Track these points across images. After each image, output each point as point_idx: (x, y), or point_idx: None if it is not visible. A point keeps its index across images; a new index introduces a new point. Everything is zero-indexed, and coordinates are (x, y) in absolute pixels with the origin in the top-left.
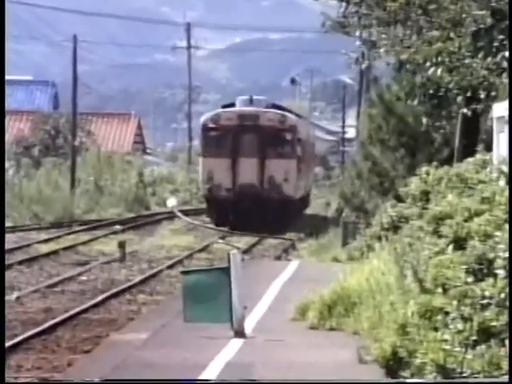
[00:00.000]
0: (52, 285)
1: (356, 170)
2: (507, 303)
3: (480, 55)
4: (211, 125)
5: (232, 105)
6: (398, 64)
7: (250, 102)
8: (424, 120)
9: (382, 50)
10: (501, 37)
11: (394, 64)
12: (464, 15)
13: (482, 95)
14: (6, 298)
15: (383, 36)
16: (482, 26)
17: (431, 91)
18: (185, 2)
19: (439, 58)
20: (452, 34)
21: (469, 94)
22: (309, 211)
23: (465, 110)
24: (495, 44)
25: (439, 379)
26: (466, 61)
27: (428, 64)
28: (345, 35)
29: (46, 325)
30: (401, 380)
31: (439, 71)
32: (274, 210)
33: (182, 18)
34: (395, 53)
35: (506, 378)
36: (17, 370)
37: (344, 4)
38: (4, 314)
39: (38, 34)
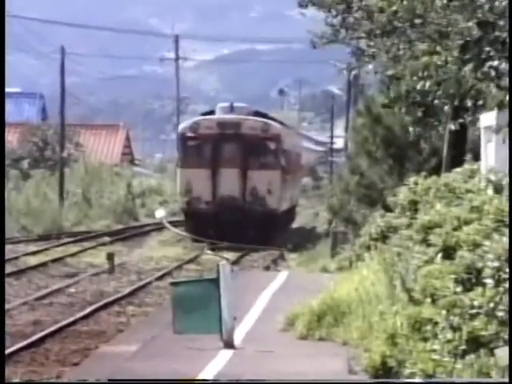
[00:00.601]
0: (41, 297)
1: (343, 184)
2: (496, 313)
3: (467, 67)
4: (189, 134)
5: (212, 112)
6: (386, 76)
7: (231, 109)
8: (411, 129)
9: (370, 67)
10: (487, 48)
11: (381, 74)
12: (450, 28)
13: (470, 104)
14: None
15: (371, 46)
16: (468, 38)
17: (418, 99)
18: (174, 14)
19: (425, 73)
20: (439, 48)
21: (456, 103)
22: (296, 223)
23: (452, 127)
24: (483, 56)
25: (439, 379)
26: (452, 74)
27: (415, 78)
28: (333, 44)
29: (34, 337)
30: (401, 380)
31: (427, 84)
32: (257, 223)
33: (170, 29)
34: (383, 66)
35: (505, 379)
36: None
37: (331, 17)
38: (4, 318)
39: (26, 46)
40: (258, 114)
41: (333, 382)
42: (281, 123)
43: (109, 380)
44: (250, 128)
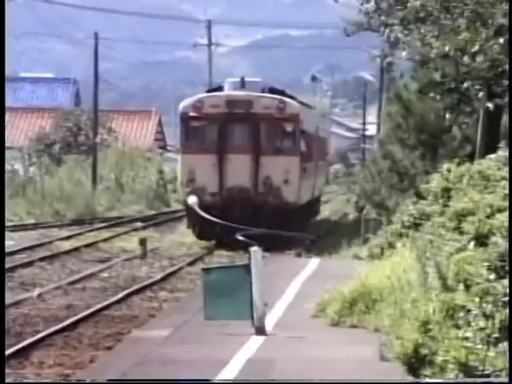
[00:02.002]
0: (74, 282)
1: (376, 168)
2: None
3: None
4: (192, 113)
5: (220, 89)
6: (420, 61)
7: (242, 84)
8: (447, 115)
9: (403, 53)
10: None
11: (416, 60)
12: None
13: (503, 87)
14: (28, 294)
15: (404, 33)
16: (502, 20)
17: (452, 85)
18: None
19: (467, 49)
20: (478, 24)
21: (491, 83)
22: (327, 210)
23: (489, 104)
24: None
25: (440, 379)
26: (489, 54)
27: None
28: (366, 31)
29: (67, 321)
30: (401, 380)
31: (466, 59)
32: (272, 219)
33: (203, 14)
34: (419, 49)
35: (505, 379)
36: (39, 367)
37: (365, 2)
38: (4, 317)
39: (60, 32)
40: (273, 90)
41: (344, 382)
42: (301, 103)
43: (108, 380)
44: (264, 106)
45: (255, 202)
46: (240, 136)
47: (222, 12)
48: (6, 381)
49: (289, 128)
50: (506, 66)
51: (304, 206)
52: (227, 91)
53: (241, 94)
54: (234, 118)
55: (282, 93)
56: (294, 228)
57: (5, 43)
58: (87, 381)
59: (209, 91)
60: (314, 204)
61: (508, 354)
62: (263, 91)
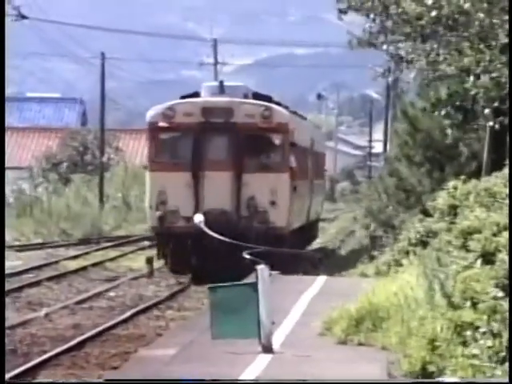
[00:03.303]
0: (81, 301)
1: (383, 186)
2: None
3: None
4: (162, 123)
5: (196, 95)
6: (426, 79)
7: (221, 89)
8: (449, 132)
9: (412, 73)
10: None
11: (422, 78)
12: (494, 28)
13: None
14: (35, 314)
15: (410, 51)
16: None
17: (458, 103)
18: (210, 18)
19: (471, 70)
20: (482, 46)
21: (496, 105)
22: (334, 229)
23: (491, 123)
24: None
25: (440, 379)
26: (494, 74)
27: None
28: (371, 48)
29: (74, 341)
30: (402, 380)
31: (471, 80)
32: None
33: (208, 33)
34: (426, 66)
35: (506, 379)
36: None
37: (370, 21)
38: (4, 317)
39: (66, 52)
40: (258, 96)
41: (342, 382)
42: (292, 112)
43: (106, 380)
44: (247, 115)
45: (237, 227)
46: (219, 150)
47: (226, 31)
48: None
49: (276, 140)
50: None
51: (296, 232)
52: (204, 97)
53: (219, 101)
54: (212, 128)
55: (269, 99)
56: (284, 258)
57: (5, 48)
58: (87, 381)
59: (183, 98)
60: (309, 229)
61: (508, 353)
62: (246, 97)
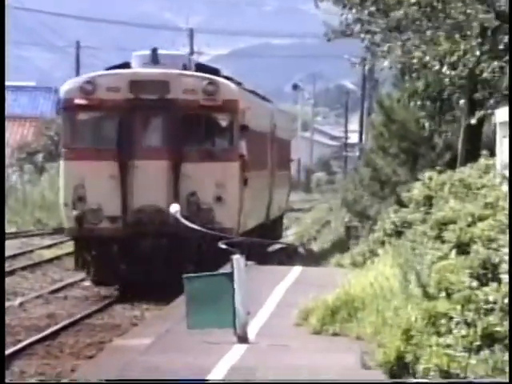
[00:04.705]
0: (55, 290)
1: (358, 176)
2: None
3: (484, 57)
4: (80, 100)
5: (126, 66)
6: (402, 70)
7: (154, 59)
8: (426, 124)
9: (385, 63)
10: (505, 40)
11: (397, 69)
12: (470, 19)
13: (483, 97)
14: (9, 303)
15: (386, 41)
16: (487, 28)
17: (433, 94)
18: (187, 8)
19: (446, 59)
20: (457, 36)
21: (470, 96)
22: (310, 218)
23: (472, 121)
24: (501, 47)
25: (439, 379)
26: (471, 65)
27: (436, 64)
28: (347, 38)
29: (49, 330)
30: (401, 380)
31: (445, 69)
32: (199, 255)
33: (184, 23)
34: (400, 57)
35: (506, 379)
36: (20, 376)
37: (346, 11)
38: (4, 316)
39: (41, 40)
40: (202, 67)
41: (339, 382)
42: (252, 92)
43: (107, 380)
44: (186, 90)
45: (174, 229)
46: (151, 133)
47: (203, 21)
48: (6, 381)
49: (223, 121)
50: (485, 74)
51: (252, 234)
52: (135, 68)
53: (152, 72)
54: (143, 106)
55: (215, 72)
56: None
57: (5, 47)
58: (86, 381)
59: (109, 69)
60: (270, 228)
61: (508, 353)
62: (186, 68)
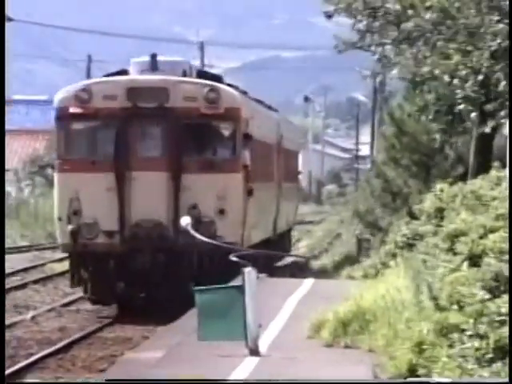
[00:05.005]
0: (67, 304)
1: (369, 188)
2: None
3: (497, 68)
4: (75, 108)
5: (124, 73)
6: (413, 81)
7: (153, 65)
8: (437, 136)
9: (394, 71)
10: None
11: (409, 80)
12: (482, 29)
13: (494, 109)
14: (21, 317)
15: (397, 52)
16: (499, 41)
17: (444, 107)
18: (198, 21)
19: (457, 72)
20: (470, 48)
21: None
22: (321, 231)
23: (486, 130)
24: None
25: (439, 379)
26: (480, 77)
27: (446, 77)
28: (358, 50)
29: (61, 344)
30: (401, 380)
31: (456, 81)
32: (201, 271)
33: (194, 36)
34: (411, 68)
35: (506, 379)
36: None
37: (356, 23)
38: (4, 318)
39: (52, 54)
40: (203, 74)
41: (339, 382)
42: (257, 101)
43: (107, 380)
44: (187, 98)
45: (175, 244)
46: (150, 144)
47: (213, 34)
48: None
49: (225, 130)
50: (500, 86)
51: (258, 248)
52: (133, 75)
53: (150, 79)
54: (141, 115)
55: (218, 78)
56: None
57: (5, 49)
58: (88, 380)
59: (107, 76)
60: (277, 242)
61: (508, 353)
62: (186, 75)
